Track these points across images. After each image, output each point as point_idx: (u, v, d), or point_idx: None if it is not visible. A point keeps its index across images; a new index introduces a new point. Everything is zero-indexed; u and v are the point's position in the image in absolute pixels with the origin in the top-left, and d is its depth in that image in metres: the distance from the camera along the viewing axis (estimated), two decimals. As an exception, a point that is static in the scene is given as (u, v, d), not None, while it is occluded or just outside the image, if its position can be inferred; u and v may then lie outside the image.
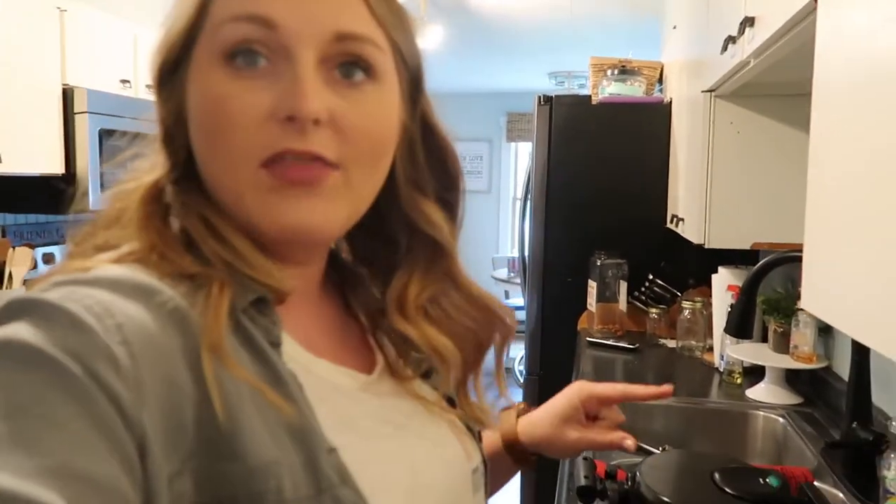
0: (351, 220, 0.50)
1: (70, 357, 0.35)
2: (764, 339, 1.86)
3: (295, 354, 0.49)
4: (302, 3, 0.45)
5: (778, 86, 1.55)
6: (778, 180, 1.70)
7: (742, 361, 1.83)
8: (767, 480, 0.90)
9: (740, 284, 1.62)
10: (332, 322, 0.58)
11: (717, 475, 0.92)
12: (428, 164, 0.57)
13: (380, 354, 0.59)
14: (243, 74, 0.45)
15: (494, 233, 6.71)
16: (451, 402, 0.62)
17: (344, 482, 0.43)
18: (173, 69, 0.49)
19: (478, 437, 0.63)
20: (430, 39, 3.66)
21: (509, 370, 5.34)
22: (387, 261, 0.59)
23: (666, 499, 0.88)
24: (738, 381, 1.85)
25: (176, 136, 0.49)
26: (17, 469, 0.31)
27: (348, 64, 0.47)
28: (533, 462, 0.78)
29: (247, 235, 0.48)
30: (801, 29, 0.97)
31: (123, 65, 2.72)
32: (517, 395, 4.64)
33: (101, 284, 0.40)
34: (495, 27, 4.01)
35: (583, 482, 0.95)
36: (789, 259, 1.28)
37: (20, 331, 0.35)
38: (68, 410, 0.34)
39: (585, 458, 1.00)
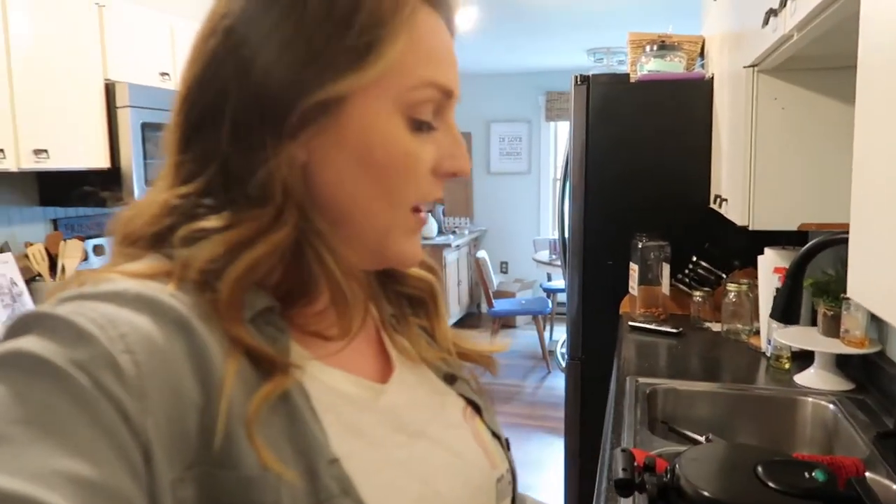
0: None
1: (76, 367, 0.36)
2: (813, 323, 1.80)
3: (303, 363, 0.48)
4: (457, 74, 0.53)
5: (824, 59, 1.48)
6: (826, 157, 1.62)
7: (790, 346, 1.77)
8: (813, 474, 0.87)
9: (787, 266, 1.56)
10: None
11: (759, 468, 0.89)
12: None
13: (394, 352, 0.59)
14: (417, 128, 0.50)
15: (535, 214, 6.66)
16: (475, 406, 0.61)
17: (345, 493, 0.43)
18: (331, 101, 0.47)
19: (505, 445, 0.63)
20: (465, 20, 3.61)
21: (552, 353, 5.32)
22: None
23: (706, 493, 0.86)
24: (786, 366, 1.79)
25: (291, 169, 0.47)
26: (25, 472, 0.32)
27: None
28: None
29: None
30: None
31: (162, 57, 2.76)
32: (560, 380, 4.62)
33: (106, 298, 0.41)
34: (531, 5, 3.94)
35: (620, 475, 0.93)
36: (838, 241, 1.23)
37: (28, 343, 0.37)
38: (75, 418, 0.35)
39: (623, 450, 0.98)
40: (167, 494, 0.37)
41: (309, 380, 0.47)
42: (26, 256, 2.49)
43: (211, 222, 0.46)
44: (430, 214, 0.57)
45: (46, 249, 2.57)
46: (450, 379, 0.61)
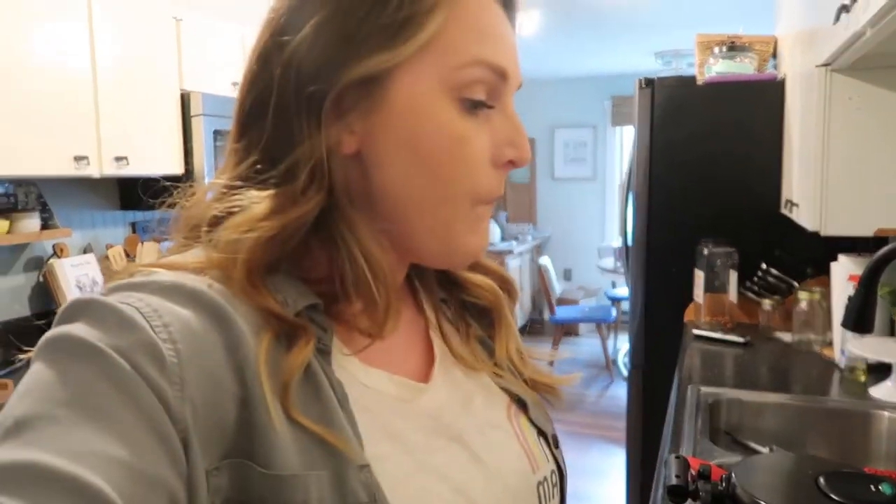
0: None
1: (119, 353, 0.37)
2: (891, 333, 1.71)
3: (345, 362, 0.49)
4: (516, 55, 0.50)
5: (903, 56, 1.41)
6: (905, 160, 1.54)
7: (866, 357, 1.69)
8: (880, 487, 0.83)
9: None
10: (401, 320, 0.57)
11: (821, 480, 0.85)
12: None
13: (440, 351, 0.57)
14: (470, 112, 0.47)
15: (600, 221, 6.55)
16: (521, 404, 0.60)
17: (372, 500, 0.43)
18: (367, 84, 0.45)
19: (552, 442, 0.61)
20: (528, 24, 3.61)
21: (615, 362, 5.22)
22: None
23: (762, 502, 0.83)
24: (862, 378, 1.70)
25: (334, 154, 0.46)
26: (68, 452, 0.33)
27: None
28: None
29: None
30: (921, -8, 0.88)
31: (234, 67, 2.88)
32: (622, 389, 4.53)
33: (151, 288, 0.42)
34: (595, 7, 3.90)
35: (673, 481, 0.91)
36: (915, 246, 1.16)
37: (76, 328, 0.39)
38: (117, 403, 0.36)
39: (677, 457, 0.96)
40: (203, 482, 0.38)
41: (348, 379, 0.47)
42: (107, 258, 2.64)
43: (241, 202, 0.46)
44: (492, 218, 0.54)
45: (125, 251, 2.72)
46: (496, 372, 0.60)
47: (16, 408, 0.36)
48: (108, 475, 0.33)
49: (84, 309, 0.40)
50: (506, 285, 0.63)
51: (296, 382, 0.43)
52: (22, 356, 0.42)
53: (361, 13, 0.45)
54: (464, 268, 0.59)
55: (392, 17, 0.44)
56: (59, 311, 0.41)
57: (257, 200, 0.46)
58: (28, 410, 0.35)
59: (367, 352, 0.50)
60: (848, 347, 1.74)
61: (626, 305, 5.55)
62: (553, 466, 0.59)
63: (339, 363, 0.48)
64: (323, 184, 0.46)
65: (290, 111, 0.46)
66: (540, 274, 5.24)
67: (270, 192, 0.46)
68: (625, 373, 4.78)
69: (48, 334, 0.39)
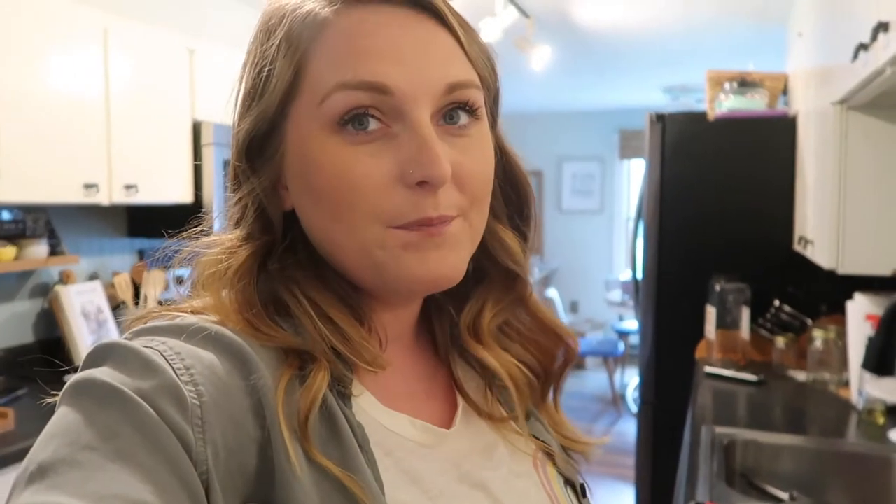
0: (470, 257, 0.50)
1: (142, 396, 0.38)
2: (911, 375, 1.67)
3: (367, 406, 0.48)
4: (412, 64, 0.45)
5: (921, 94, 1.40)
6: (924, 198, 1.52)
7: (885, 400, 1.65)
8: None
9: (880, 313, 1.46)
10: (421, 367, 0.56)
11: (851, 534, 0.81)
12: (501, 189, 0.56)
13: (462, 400, 0.55)
14: (358, 139, 0.45)
15: (608, 254, 6.53)
16: (548, 454, 0.58)
17: None
18: (266, 138, 0.48)
19: (580, 491, 0.58)
20: (538, 60, 3.63)
21: (622, 397, 5.15)
22: (459, 288, 0.55)
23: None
24: (881, 421, 1.66)
25: (270, 204, 0.49)
26: (92, 496, 0.34)
27: (452, 109, 0.47)
28: None
29: (347, 290, 0.49)
30: (946, 32, 0.87)
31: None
32: (630, 425, 4.46)
33: (173, 332, 0.43)
34: (605, 43, 3.93)
35: (695, 532, 0.87)
36: (939, 288, 1.14)
37: (101, 372, 0.39)
38: (141, 446, 0.36)
39: (698, 503, 0.92)
40: None
41: (369, 422, 0.46)
42: (112, 285, 2.62)
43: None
44: (456, 223, 0.47)
45: (132, 279, 2.70)
46: (526, 415, 0.57)
47: (41, 452, 0.36)
48: None
49: (108, 353, 0.41)
50: (560, 345, 0.60)
51: (314, 421, 0.43)
52: (49, 400, 0.42)
53: (248, 82, 0.49)
54: (427, 293, 0.53)
55: (256, 78, 0.48)
56: (85, 355, 0.42)
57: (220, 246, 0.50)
58: (53, 454, 0.36)
59: (388, 396, 0.49)
60: (866, 389, 1.70)
61: (633, 339, 5.51)
62: None
63: (360, 406, 0.47)
64: (251, 230, 0.49)
65: (236, 170, 0.51)
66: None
67: (231, 240, 0.50)
68: (634, 408, 4.71)
69: (74, 378, 0.40)
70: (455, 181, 0.46)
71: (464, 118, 0.47)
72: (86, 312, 2.40)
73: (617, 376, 5.24)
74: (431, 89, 0.45)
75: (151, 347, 0.41)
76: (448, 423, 0.53)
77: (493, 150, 0.51)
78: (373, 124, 0.45)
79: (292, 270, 0.49)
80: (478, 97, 0.48)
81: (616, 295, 5.50)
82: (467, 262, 0.49)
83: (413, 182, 0.44)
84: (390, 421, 0.48)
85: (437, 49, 0.46)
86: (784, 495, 1.35)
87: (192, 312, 0.47)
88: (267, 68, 0.47)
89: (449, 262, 0.47)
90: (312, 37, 0.46)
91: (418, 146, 0.44)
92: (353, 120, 0.44)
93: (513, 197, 0.57)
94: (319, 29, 0.46)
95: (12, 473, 1.63)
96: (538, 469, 0.55)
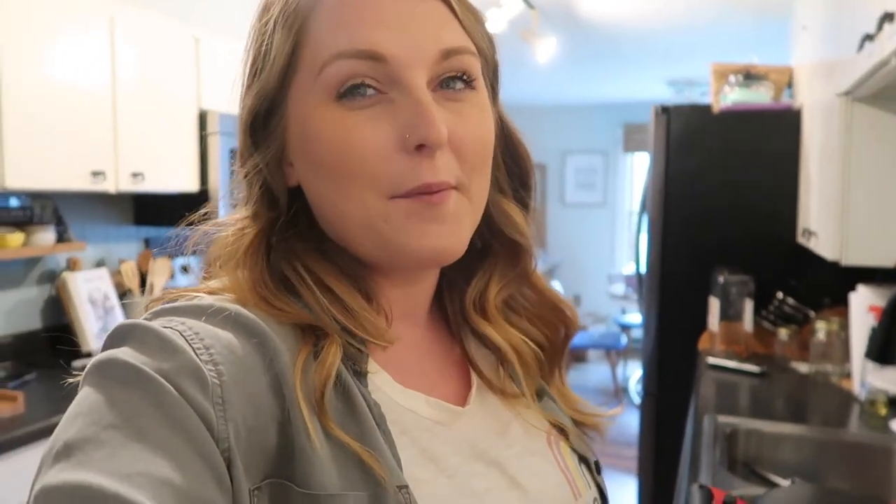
0: (472, 231, 0.50)
1: (163, 376, 0.38)
2: (913, 366, 1.68)
3: (382, 384, 0.48)
4: (406, 30, 0.45)
5: (927, 86, 1.40)
6: (928, 190, 1.53)
7: (887, 390, 1.66)
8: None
9: (883, 305, 1.47)
10: (436, 345, 0.57)
11: (852, 516, 0.83)
12: (504, 161, 0.57)
13: (476, 377, 0.56)
14: (356, 106, 0.45)
15: (610, 247, 6.54)
16: (561, 431, 0.59)
17: None
18: (269, 114, 0.49)
19: (594, 468, 0.59)
20: (543, 52, 3.63)
21: (625, 390, 5.17)
22: (468, 263, 0.56)
23: (792, 538, 0.81)
24: (883, 411, 1.67)
25: (274, 180, 0.50)
26: (117, 473, 0.34)
27: (449, 77, 0.47)
28: None
29: (352, 266, 0.50)
30: (952, 21, 0.87)
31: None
32: (632, 417, 4.47)
33: (193, 312, 0.43)
34: (609, 37, 3.93)
35: (698, 513, 0.89)
36: (942, 277, 1.15)
37: (122, 353, 0.40)
38: (163, 425, 0.37)
39: (701, 486, 0.94)
40: (246, 501, 0.39)
41: (385, 400, 0.47)
42: (119, 272, 2.64)
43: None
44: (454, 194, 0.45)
45: (138, 266, 2.72)
46: (538, 394, 0.58)
47: (66, 431, 0.37)
48: (156, 495, 0.34)
49: (129, 333, 0.41)
50: (562, 318, 0.61)
51: (330, 396, 0.43)
52: (70, 380, 0.43)
53: (249, 63, 0.50)
54: (431, 268, 0.54)
55: (256, 54, 0.49)
56: (107, 335, 0.43)
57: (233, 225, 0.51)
58: (78, 434, 0.36)
59: (403, 374, 0.50)
60: (868, 380, 1.71)
61: (635, 332, 5.52)
62: (595, 493, 0.58)
63: (375, 384, 0.48)
64: (257, 207, 0.50)
65: (242, 149, 0.51)
66: (549, 299, 5.21)
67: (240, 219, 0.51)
68: (637, 400, 4.72)
69: (96, 359, 0.40)
70: (452, 147, 0.46)
71: (459, 85, 0.48)
72: (93, 299, 2.42)
73: (619, 369, 5.26)
74: (425, 54, 0.45)
75: (171, 328, 0.41)
76: (462, 400, 0.54)
77: (492, 120, 0.51)
78: (370, 92, 0.45)
79: (293, 242, 0.50)
80: (474, 65, 0.49)
81: (618, 288, 5.51)
82: (469, 236, 0.49)
83: (411, 146, 0.44)
84: (405, 399, 0.49)
85: (429, 16, 0.46)
86: (785, 482, 1.37)
87: (210, 293, 0.47)
88: (266, 44, 0.48)
89: (448, 233, 0.47)
90: (309, 10, 0.47)
91: (414, 110, 0.44)
92: (351, 91, 0.45)
93: (515, 169, 0.58)
94: (315, 1, 0.47)
95: (24, 454, 1.66)
96: (552, 446, 0.56)
